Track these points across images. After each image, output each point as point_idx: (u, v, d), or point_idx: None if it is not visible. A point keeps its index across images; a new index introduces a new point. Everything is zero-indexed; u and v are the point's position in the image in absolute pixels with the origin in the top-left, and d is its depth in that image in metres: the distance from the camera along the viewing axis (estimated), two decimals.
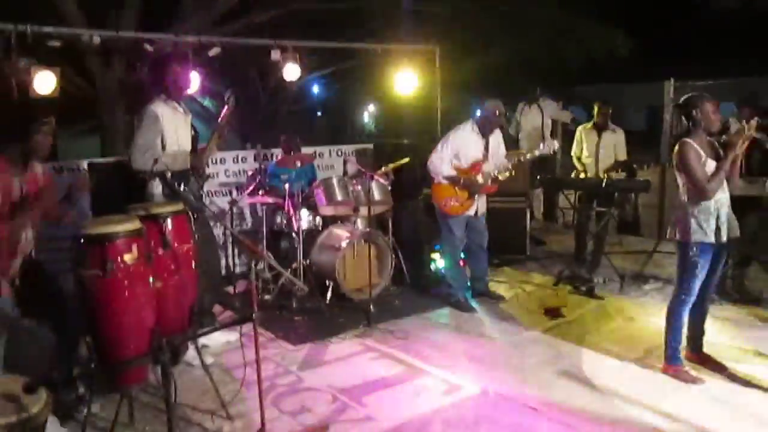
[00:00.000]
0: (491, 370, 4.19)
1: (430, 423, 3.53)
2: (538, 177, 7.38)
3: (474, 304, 5.54)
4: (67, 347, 3.61)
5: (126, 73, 7.69)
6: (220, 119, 4.70)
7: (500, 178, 5.45)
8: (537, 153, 5.56)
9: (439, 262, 6.12)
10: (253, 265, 3.13)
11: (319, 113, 22.43)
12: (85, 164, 5.75)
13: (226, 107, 4.66)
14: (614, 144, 6.73)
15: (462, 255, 5.73)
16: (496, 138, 5.57)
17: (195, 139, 4.55)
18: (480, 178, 5.37)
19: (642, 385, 3.94)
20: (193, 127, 4.65)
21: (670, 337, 4.03)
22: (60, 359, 3.65)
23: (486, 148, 5.45)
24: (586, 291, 5.76)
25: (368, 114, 24.09)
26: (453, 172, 5.36)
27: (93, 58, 7.41)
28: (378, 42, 7.99)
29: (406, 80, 7.31)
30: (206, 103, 16.54)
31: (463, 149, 5.39)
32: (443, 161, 5.36)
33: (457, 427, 3.49)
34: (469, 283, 5.76)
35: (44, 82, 5.44)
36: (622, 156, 6.76)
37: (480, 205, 5.54)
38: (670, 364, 4.03)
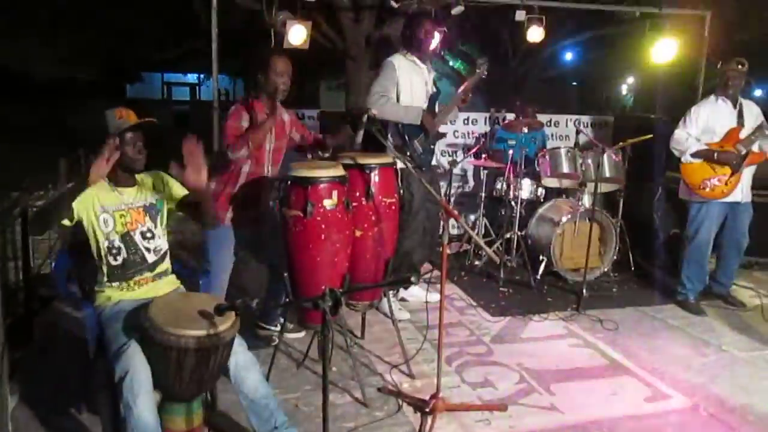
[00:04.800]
0: (710, 385, 3.61)
1: (619, 429, 3.14)
2: None
3: (705, 307, 4.85)
4: (271, 280, 3.89)
5: (374, 28, 7.94)
6: (464, 86, 4.40)
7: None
8: None
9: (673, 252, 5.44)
10: (449, 228, 2.99)
11: (574, 83, 21.40)
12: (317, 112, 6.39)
13: (475, 74, 4.39)
14: None
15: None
16: (752, 109, 4.72)
17: (434, 98, 4.47)
18: (741, 147, 4.55)
19: None
20: (434, 85, 4.58)
21: None
22: (268, 290, 3.95)
23: (740, 115, 4.64)
24: None
25: (627, 87, 22.36)
26: (703, 147, 4.66)
27: (345, 14, 7.77)
28: (638, 5, 7.26)
29: (664, 49, 6.55)
30: (457, 65, 16.69)
31: (712, 121, 4.63)
32: (690, 137, 4.68)
33: None
34: (706, 283, 5.02)
35: (297, 35, 5.87)
36: None
37: (745, 186, 4.70)
38: None
